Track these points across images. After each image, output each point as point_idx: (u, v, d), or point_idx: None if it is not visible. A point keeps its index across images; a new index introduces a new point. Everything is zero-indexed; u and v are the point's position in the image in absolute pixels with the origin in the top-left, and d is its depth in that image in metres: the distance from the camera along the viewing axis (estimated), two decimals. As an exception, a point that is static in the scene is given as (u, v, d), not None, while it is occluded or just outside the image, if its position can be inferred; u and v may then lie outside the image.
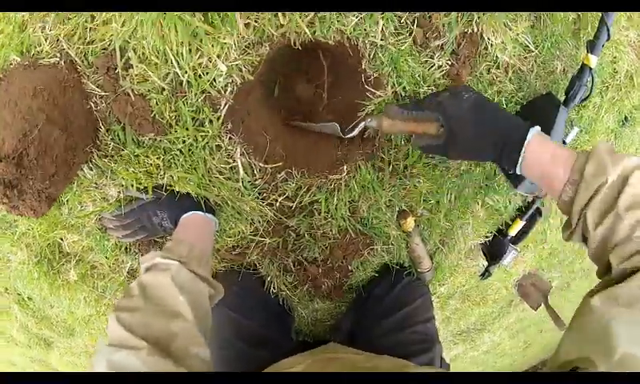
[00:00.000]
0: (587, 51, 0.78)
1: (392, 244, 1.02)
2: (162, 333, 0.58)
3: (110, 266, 0.98)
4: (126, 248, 0.92)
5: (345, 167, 0.83)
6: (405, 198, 0.93)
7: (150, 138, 0.73)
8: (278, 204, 0.85)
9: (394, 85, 0.74)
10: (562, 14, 0.80)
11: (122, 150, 0.74)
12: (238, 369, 0.92)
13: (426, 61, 0.75)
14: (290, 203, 0.85)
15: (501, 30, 0.75)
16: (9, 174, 0.60)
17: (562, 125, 0.77)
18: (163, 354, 0.55)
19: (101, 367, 0.53)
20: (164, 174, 0.75)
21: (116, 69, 0.67)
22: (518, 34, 0.77)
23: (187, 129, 0.72)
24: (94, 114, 0.71)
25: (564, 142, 0.86)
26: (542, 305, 1.53)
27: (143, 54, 0.66)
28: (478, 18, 0.72)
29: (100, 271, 1.00)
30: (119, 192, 0.78)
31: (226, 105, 0.71)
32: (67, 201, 0.81)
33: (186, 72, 0.66)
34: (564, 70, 0.86)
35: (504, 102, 0.82)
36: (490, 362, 2.39)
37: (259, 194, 0.83)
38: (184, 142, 0.73)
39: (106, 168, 0.75)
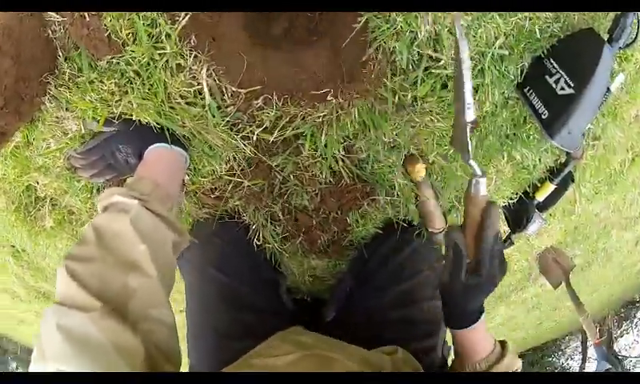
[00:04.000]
0: None
1: (398, 195, 0.92)
2: (118, 289, 0.54)
3: (87, 211, 0.95)
4: (98, 189, 0.88)
5: (337, 100, 0.72)
6: (414, 139, 0.83)
7: (107, 61, 0.66)
8: (255, 137, 0.77)
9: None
10: None
11: (79, 77, 0.69)
12: (222, 335, 0.89)
13: None
14: (269, 136, 0.76)
15: None
16: None
17: (607, 66, 0.67)
18: (119, 317, 0.51)
19: (50, 331, 0.49)
20: (120, 100, 0.69)
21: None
22: None
23: (142, 46, 0.63)
24: (53, 42, 0.68)
25: (608, 90, 0.74)
26: (563, 283, 1.42)
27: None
28: None
29: (77, 217, 0.97)
30: (78, 125, 0.72)
31: (185, 16, 0.62)
32: (33, 140, 0.77)
33: None
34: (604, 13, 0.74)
35: (537, 31, 0.71)
36: (503, 334, 2.33)
37: (233, 125, 0.75)
38: (140, 62, 0.66)
39: (62, 98, 0.72)
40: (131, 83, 0.69)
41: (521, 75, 0.75)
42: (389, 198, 0.92)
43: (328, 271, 1.17)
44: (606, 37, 0.69)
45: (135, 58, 0.66)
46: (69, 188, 0.87)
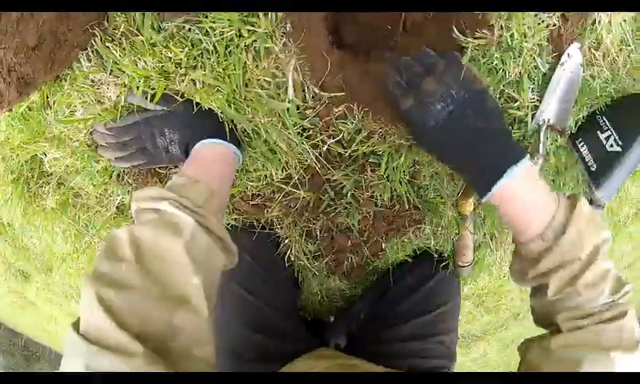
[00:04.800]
0: None
1: (443, 227, 0.86)
2: (162, 327, 0.42)
3: (96, 197, 0.77)
4: (119, 175, 0.72)
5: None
6: None
7: (177, 26, 0.52)
8: (325, 147, 0.65)
9: (502, 27, 0.58)
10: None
11: (136, 36, 0.53)
12: (235, 355, 0.79)
13: (536, 14, 0.60)
14: (342, 150, 0.65)
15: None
16: None
17: None
18: (161, 358, 0.40)
19: (76, 369, 0.39)
20: (185, 75, 0.55)
21: None
22: (625, 20, 0.66)
23: (231, 16, 0.50)
24: None
25: None
26: None
27: None
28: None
29: (84, 201, 0.81)
30: (119, 96, 0.57)
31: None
32: (54, 103, 0.62)
33: None
34: None
35: (597, 89, 0.71)
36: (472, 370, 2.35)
37: (304, 130, 0.63)
38: (222, 34, 0.52)
39: (109, 57, 0.55)
40: (204, 58, 0.56)
41: (575, 127, 0.77)
42: (435, 228, 0.86)
43: (341, 293, 1.08)
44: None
45: (217, 28, 0.53)
46: (84, 168, 0.71)
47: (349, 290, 1.08)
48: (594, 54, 0.68)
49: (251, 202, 0.80)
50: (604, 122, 0.76)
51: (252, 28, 0.54)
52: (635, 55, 0.71)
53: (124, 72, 0.57)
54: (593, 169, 0.77)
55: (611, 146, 0.74)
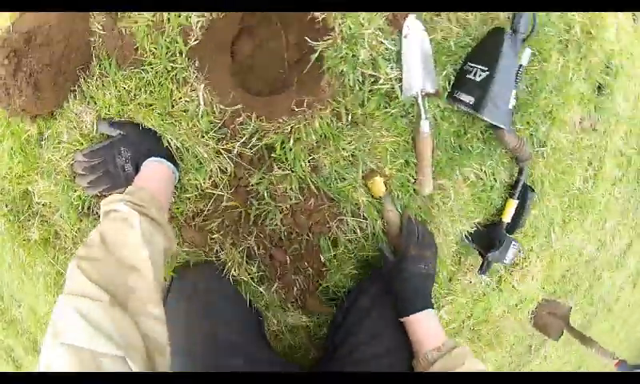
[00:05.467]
0: None
1: (364, 216, 0.99)
2: (120, 285, 0.61)
3: (72, 238, 0.97)
4: (89, 207, 0.94)
5: (302, 114, 0.87)
6: (370, 153, 0.96)
7: (130, 69, 0.85)
8: (235, 151, 0.87)
9: (340, 24, 0.88)
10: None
11: (105, 78, 0.87)
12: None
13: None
14: (248, 151, 0.87)
15: None
16: (16, 43, 0.79)
17: (511, 47, 0.87)
18: (123, 309, 0.58)
19: (66, 313, 0.54)
20: (134, 98, 0.84)
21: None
22: None
23: (161, 58, 0.83)
24: (91, 49, 0.90)
25: (521, 66, 0.91)
26: (565, 330, 1.24)
27: None
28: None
29: (62, 243, 1.00)
30: (93, 120, 0.86)
31: (196, 40, 0.84)
32: (47, 136, 0.89)
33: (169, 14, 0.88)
34: (507, 15, 0.95)
35: (452, 45, 0.93)
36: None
37: (218, 141, 0.88)
38: (157, 71, 0.85)
39: (87, 93, 0.90)
40: (145, 87, 0.88)
41: (449, 85, 0.94)
42: (356, 219, 0.98)
43: (307, 333, 1.10)
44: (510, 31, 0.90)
45: (153, 67, 0.87)
46: (62, 199, 0.95)
47: (313, 327, 1.10)
48: (436, 20, 0.90)
49: (193, 224, 0.96)
50: (470, 66, 0.91)
51: (174, 65, 0.87)
52: None
53: (96, 103, 0.88)
54: (472, 102, 0.88)
55: (479, 75, 0.87)
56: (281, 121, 0.90)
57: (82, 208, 0.97)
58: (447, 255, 1.16)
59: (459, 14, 0.93)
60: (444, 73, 0.95)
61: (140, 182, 0.81)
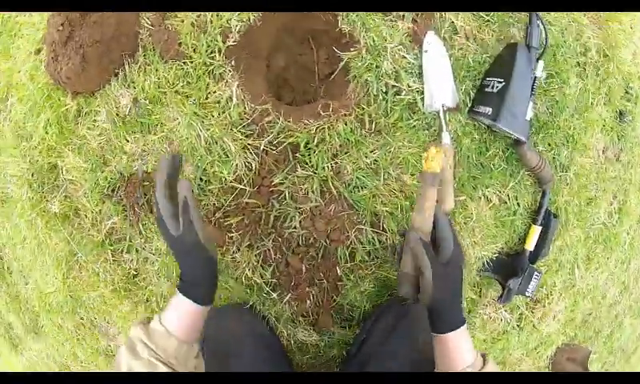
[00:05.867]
0: None
1: (383, 228, 0.98)
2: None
3: (92, 219, 0.99)
4: (114, 190, 0.96)
5: (327, 117, 0.91)
6: (392, 163, 0.97)
7: (172, 61, 0.91)
8: (262, 148, 0.90)
9: (365, 37, 0.93)
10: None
11: (148, 66, 0.92)
12: None
13: (391, 25, 0.95)
14: (274, 150, 0.90)
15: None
16: (72, 14, 0.86)
17: (525, 59, 0.90)
18: None
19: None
20: (173, 85, 0.88)
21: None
22: None
23: (201, 53, 0.88)
24: (138, 39, 0.96)
25: (535, 78, 0.92)
26: None
27: None
28: None
29: (81, 222, 1.01)
30: (130, 101, 0.91)
31: (234, 41, 0.90)
32: (85, 113, 0.95)
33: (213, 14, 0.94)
34: (521, 35, 0.99)
35: (470, 61, 0.96)
36: None
37: (246, 135, 0.90)
38: (196, 65, 0.90)
39: (129, 76, 0.95)
40: (184, 78, 0.93)
41: (470, 100, 0.96)
42: (374, 230, 0.96)
43: (317, 354, 1.07)
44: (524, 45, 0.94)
45: (193, 61, 0.93)
46: (89, 177, 0.98)
47: (323, 347, 1.06)
48: (455, 38, 0.95)
49: (213, 219, 0.97)
50: (487, 80, 0.94)
51: (213, 61, 0.92)
52: (496, 24, 0.96)
53: (135, 88, 0.94)
54: (490, 112, 0.89)
55: (496, 87, 0.90)
56: (307, 122, 0.93)
57: (107, 189, 1.00)
58: (468, 284, 1.13)
59: (476, 31, 0.97)
60: (463, 88, 0.98)
61: (169, 322, 0.72)
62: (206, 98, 0.93)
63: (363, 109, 0.94)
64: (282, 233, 0.98)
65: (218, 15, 0.94)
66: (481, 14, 1.00)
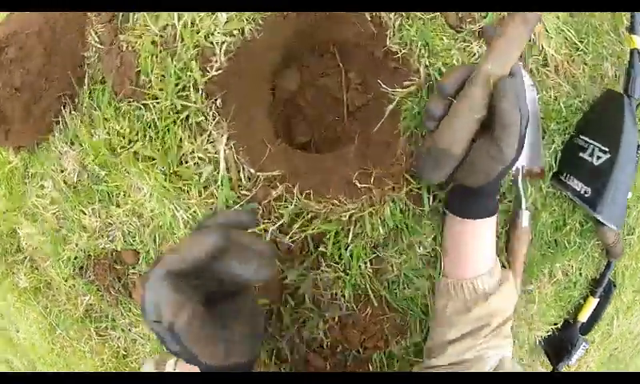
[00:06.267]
0: (629, 33, 0.57)
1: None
2: None
3: (66, 293, 0.72)
4: (82, 267, 0.67)
5: (368, 192, 0.53)
6: None
7: (127, 103, 0.54)
8: (269, 236, 0.55)
9: (427, 65, 0.49)
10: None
11: (95, 111, 0.55)
12: None
13: (464, 46, 0.51)
14: (285, 237, 0.54)
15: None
16: None
17: (632, 119, 0.56)
18: None
19: None
20: (128, 144, 0.53)
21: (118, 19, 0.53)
22: (559, 21, 0.57)
23: (167, 90, 0.51)
24: (84, 67, 0.55)
25: (639, 146, 0.58)
26: None
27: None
28: None
29: (55, 295, 0.73)
30: (76, 168, 0.57)
31: (219, 69, 0.50)
32: (31, 175, 0.62)
33: (182, 23, 0.50)
34: (615, 74, 0.61)
35: (563, 109, 0.57)
36: None
37: None
38: (161, 109, 0.52)
39: (71, 128, 0.56)
40: (145, 131, 0.51)
41: (556, 163, 0.59)
42: (423, 331, 0.61)
43: None
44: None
45: (159, 102, 0.50)
46: (51, 251, 0.64)
47: None
48: (545, 72, 0.54)
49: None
50: (583, 140, 0.57)
51: (186, 103, 0.49)
52: (590, 56, 0.57)
53: (81, 145, 0.54)
54: (587, 194, 0.57)
55: (598, 157, 0.56)
56: (336, 202, 0.51)
57: (74, 268, 0.65)
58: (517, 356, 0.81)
59: (567, 64, 0.57)
60: (552, 146, 0.58)
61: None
62: (180, 164, 0.52)
63: (420, 179, 0.51)
64: (301, 333, 0.60)
65: (192, 26, 0.48)
66: (574, 39, 0.57)
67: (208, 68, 0.48)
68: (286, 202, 0.50)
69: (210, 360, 0.33)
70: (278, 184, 0.50)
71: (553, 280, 0.68)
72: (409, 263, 0.55)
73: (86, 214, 0.58)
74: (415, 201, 0.52)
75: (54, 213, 0.59)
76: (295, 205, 0.49)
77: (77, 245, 0.60)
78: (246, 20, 0.47)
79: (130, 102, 0.50)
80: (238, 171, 0.50)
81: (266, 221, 0.52)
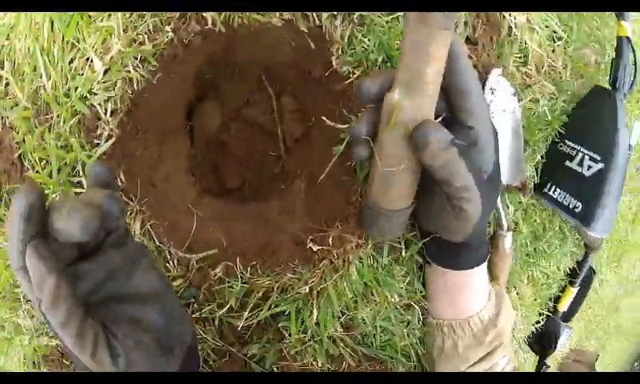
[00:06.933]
0: (617, 19, 0.44)
1: (416, 367, 0.51)
2: None
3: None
4: (34, 363, 0.53)
5: (328, 260, 0.39)
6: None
7: (7, 192, 0.37)
8: (217, 321, 0.41)
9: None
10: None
11: None
12: None
13: None
14: (237, 321, 0.41)
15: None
16: None
17: (624, 120, 0.44)
18: None
19: None
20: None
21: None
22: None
23: (55, 180, 0.35)
24: None
25: (630, 147, 0.47)
26: None
27: (16, 62, 0.34)
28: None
29: None
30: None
31: (109, 138, 0.34)
32: None
33: (54, 82, 0.33)
34: (596, 61, 0.49)
35: (547, 112, 0.45)
36: None
37: (187, 305, 0.41)
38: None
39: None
40: None
41: (537, 174, 0.47)
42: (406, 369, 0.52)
43: None
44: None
45: (47, 193, 0.38)
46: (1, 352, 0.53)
47: None
48: (526, 72, 0.42)
49: None
50: (569, 146, 0.46)
51: (79, 189, 0.34)
52: (572, 46, 0.45)
53: None
54: (578, 210, 0.46)
55: (589, 167, 0.46)
56: (289, 274, 0.38)
57: (27, 367, 0.49)
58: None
59: (549, 58, 0.45)
60: (537, 156, 0.46)
61: None
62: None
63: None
64: None
65: (62, 88, 0.33)
66: (557, 28, 0.45)
67: (95, 140, 0.31)
68: (229, 282, 0.35)
69: (92, 366, 0.23)
70: (217, 262, 0.35)
71: (531, 282, 0.60)
72: (383, 313, 0.44)
73: (19, 316, 0.43)
74: (385, 250, 0.38)
75: None
76: (242, 285, 0.35)
77: (21, 345, 0.45)
78: (131, 64, 0.29)
79: (9, 191, 0.34)
80: (164, 259, 0.34)
81: (210, 304, 0.37)
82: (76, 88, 0.31)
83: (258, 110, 0.42)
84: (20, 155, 0.36)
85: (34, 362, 0.53)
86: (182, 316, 0.29)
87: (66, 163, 0.34)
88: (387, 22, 0.37)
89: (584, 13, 0.47)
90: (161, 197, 0.36)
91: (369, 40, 0.35)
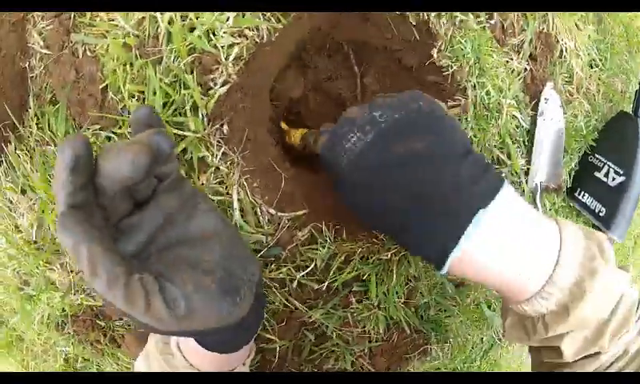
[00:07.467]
0: None
1: (450, 341, 0.50)
2: None
3: (40, 344, 0.49)
4: (58, 324, 0.45)
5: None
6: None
7: (92, 131, 0.32)
8: (295, 283, 0.38)
9: (475, 86, 0.36)
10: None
11: (48, 145, 0.32)
12: None
13: (507, 61, 0.40)
14: (316, 285, 0.38)
15: (574, 31, 0.47)
16: None
17: None
18: None
19: None
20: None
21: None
22: (589, 36, 0.49)
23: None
24: (28, 80, 0.32)
25: None
26: None
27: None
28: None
29: (30, 348, 0.51)
30: (31, 221, 0.34)
31: (225, 83, 0.30)
32: None
33: (168, 17, 0.28)
34: (621, 90, 0.54)
35: (583, 126, 0.49)
36: None
37: (265, 265, 0.37)
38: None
39: (19, 168, 0.33)
40: None
41: (570, 178, 0.52)
42: (441, 345, 0.51)
43: None
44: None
45: None
46: (20, 309, 0.43)
47: None
48: (569, 90, 0.47)
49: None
50: (598, 159, 0.51)
51: (180, 130, 0.31)
52: (605, 73, 0.50)
53: (35, 193, 0.33)
54: (602, 214, 0.51)
55: (613, 179, 0.51)
56: (374, 239, 0.36)
57: (48, 328, 0.44)
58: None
59: (587, 81, 0.49)
60: (572, 163, 0.50)
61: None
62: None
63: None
64: (320, 367, 0.45)
65: (182, 21, 0.29)
66: (595, 55, 0.49)
67: (210, 82, 0.27)
68: (316, 245, 0.32)
69: (151, 320, 0.20)
70: (305, 224, 0.32)
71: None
72: (440, 293, 0.45)
73: (54, 270, 0.36)
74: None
75: (14, 268, 0.36)
76: (328, 247, 0.32)
77: (48, 304, 0.38)
78: (262, 16, 0.26)
79: (95, 130, 0.28)
80: (256, 214, 0.31)
81: (289, 264, 0.37)
82: (202, 25, 0.27)
83: (341, 85, 0.40)
84: (104, 88, 0.31)
85: (57, 323, 0.45)
86: (246, 256, 0.25)
87: (165, 105, 0.30)
88: (476, 30, 0.37)
89: (616, 47, 0.52)
90: (254, 153, 0.32)
91: (465, 42, 0.35)
